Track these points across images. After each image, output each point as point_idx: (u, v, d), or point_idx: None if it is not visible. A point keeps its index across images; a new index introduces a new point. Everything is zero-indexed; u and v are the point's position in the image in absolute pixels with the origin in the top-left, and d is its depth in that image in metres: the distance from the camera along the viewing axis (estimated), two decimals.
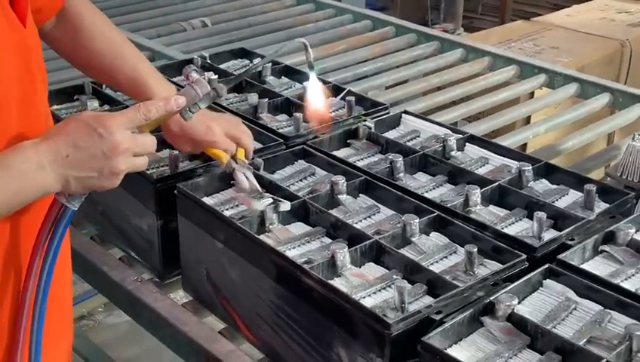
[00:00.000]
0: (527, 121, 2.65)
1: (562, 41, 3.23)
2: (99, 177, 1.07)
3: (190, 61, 2.06)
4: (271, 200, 1.38)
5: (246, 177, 1.40)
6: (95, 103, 1.78)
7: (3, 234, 1.11)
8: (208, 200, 1.44)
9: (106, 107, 1.79)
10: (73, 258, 1.60)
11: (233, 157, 1.44)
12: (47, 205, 1.11)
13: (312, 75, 1.48)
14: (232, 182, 1.46)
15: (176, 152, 1.52)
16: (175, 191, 1.45)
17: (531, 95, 2.68)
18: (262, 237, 1.34)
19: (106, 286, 1.59)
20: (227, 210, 1.42)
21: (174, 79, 1.95)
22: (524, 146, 2.51)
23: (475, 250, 1.25)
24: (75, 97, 1.85)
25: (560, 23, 3.46)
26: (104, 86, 1.86)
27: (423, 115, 1.86)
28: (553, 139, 2.46)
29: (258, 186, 1.39)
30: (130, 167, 1.10)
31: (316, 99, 1.50)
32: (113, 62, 1.41)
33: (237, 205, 1.43)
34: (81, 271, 1.61)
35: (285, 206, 1.37)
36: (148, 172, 1.50)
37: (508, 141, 2.14)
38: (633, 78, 3.18)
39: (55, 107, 1.80)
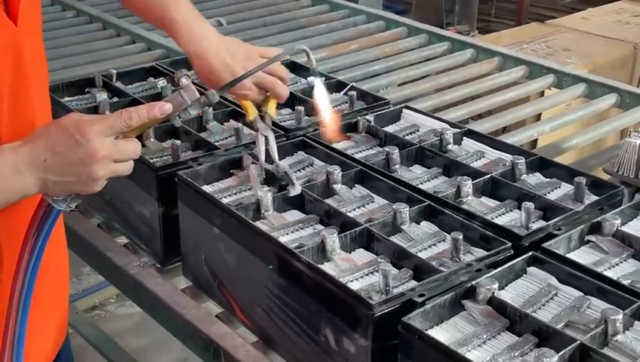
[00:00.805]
0: (537, 120, 2.67)
1: (575, 44, 3.24)
2: (77, 182, 1.08)
3: None
4: (270, 188, 1.42)
5: (268, 141, 1.41)
6: (104, 95, 1.84)
7: None
8: (208, 189, 1.49)
9: (115, 99, 1.85)
10: (80, 245, 1.67)
11: (262, 109, 1.42)
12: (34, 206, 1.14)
13: (318, 82, 1.44)
14: (231, 170, 1.52)
15: (177, 142, 1.57)
16: (176, 179, 1.50)
17: (541, 95, 2.70)
18: (257, 223, 1.39)
19: (110, 271, 1.65)
20: (225, 197, 1.47)
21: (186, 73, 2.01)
22: (534, 143, 2.54)
23: (461, 237, 1.28)
24: (86, 90, 1.91)
25: (574, 26, 3.47)
26: (114, 78, 1.92)
27: (427, 112, 1.89)
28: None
29: (276, 156, 1.42)
30: (110, 173, 1.09)
31: (326, 109, 1.47)
32: None
33: (235, 193, 1.48)
34: (86, 257, 1.67)
35: (296, 190, 1.41)
36: (151, 160, 1.56)
37: (513, 139, 2.16)
38: None
39: (67, 99, 1.86)
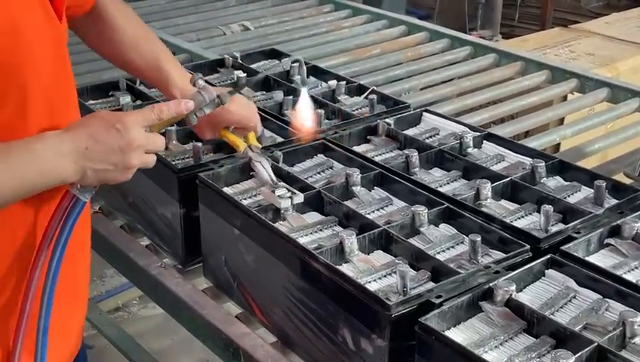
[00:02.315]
0: (560, 124, 2.66)
1: (598, 48, 3.23)
2: (114, 170, 1.15)
3: (222, 61, 2.14)
4: (286, 192, 1.43)
5: (263, 166, 1.46)
6: (127, 98, 1.86)
7: (14, 222, 1.16)
8: (228, 190, 1.50)
9: (139, 102, 1.87)
10: (103, 246, 1.69)
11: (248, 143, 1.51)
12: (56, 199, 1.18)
13: (304, 91, 1.50)
14: (251, 173, 1.53)
15: (199, 144, 1.59)
16: (197, 181, 1.51)
17: (564, 99, 2.69)
18: (276, 224, 1.40)
19: (132, 271, 1.67)
20: (245, 199, 1.48)
21: (206, 77, 2.03)
22: (557, 148, 2.53)
23: (479, 239, 1.28)
24: (110, 93, 1.93)
25: (597, 30, 3.45)
26: (138, 82, 1.94)
27: (449, 116, 1.89)
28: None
29: (273, 176, 1.45)
30: (142, 163, 1.18)
31: (304, 113, 1.52)
32: (135, 51, 1.48)
33: (255, 195, 1.49)
34: (109, 257, 1.69)
35: (299, 198, 1.43)
36: (173, 162, 1.58)
37: (535, 143, 2.16)
38: None
39: (91, 102, 1.89)
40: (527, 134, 2.52)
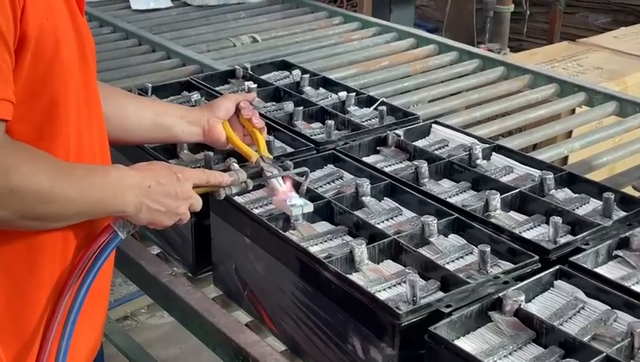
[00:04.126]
0: (568, 137, 2.67)
1: (607, 62, 3.23)
2: (164, 213, 1.27)
3: (233, 72, 2.16)
4: (297, 202, 1.45)
5: (274, 177, 1.47)
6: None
7: (54, 246, 1.21)
8: (239, 199, 1.51)
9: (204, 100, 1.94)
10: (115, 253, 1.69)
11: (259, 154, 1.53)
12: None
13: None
14: (262, 182, 1.54)
15: (210, 153, 1.60)
16: None
17: (572, 112, 2.70)
18: (287, 233, 1.41)
19: (142, 279, 1.68)
20: (256, 208, 1.49)
21: (217, 88, 2.05)
22: (565, 161, 2.54)
23: (488, 249, 1.29)
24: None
25: (605, 45, 3.46)
26: (150, 92, 1.96)
27: (454, 126, 1.91)
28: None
29: (284, 186, 1.46)
30: (184, 215, 1.30)
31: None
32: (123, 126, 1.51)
33: (266, 204, 1.50)
34: (121, 265, 1.70)
35: (308, 207, 1.44)
36: None
37: (543, 155, 2.16)
38: None
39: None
40: (535, 147, 2.53)
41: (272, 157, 1.54)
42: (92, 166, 1.22)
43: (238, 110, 1.61)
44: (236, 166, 1.48)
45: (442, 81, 2.77)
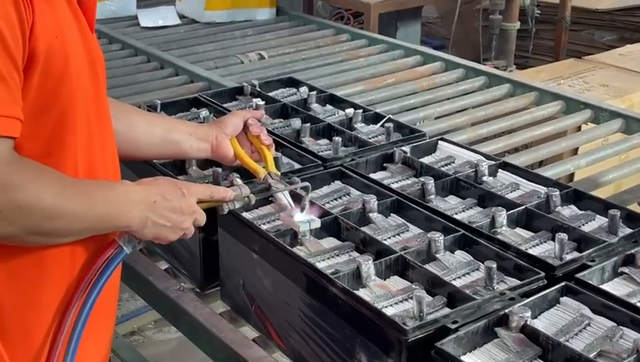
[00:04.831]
0: (574, 154, 2.68)
1: (612, 80, 3.25)
2: (169, 227, 1.28)
3: (241, 89, 2.18)
4: (304, 218, 1.46)
5: (282, 192, 1.49)
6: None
7: (62, 260, 1.22)
8: (247, 215, 1.52)
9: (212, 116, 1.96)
10: (122, 268, 1.70)
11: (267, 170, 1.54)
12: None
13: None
14: (270, 198, 1.55)
15: (219, 170, 1.62)
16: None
17: (578, 129, 2.71)
18: (294, 249, 1.42)
19: (150, 294, 1.69)
20: (264, 224, 1.50)
21: (225, 105, 2.07)
22: (571, 177, 2.55)
23: (495, 265, 1.30)
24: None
25: (611, 62, 3.48)
26: (159, 109, 1.98)
27: (461, 143, 1.92)
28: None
29: (292, 202, 1.48)
30: (188, 229, 1.32)
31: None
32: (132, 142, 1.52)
33: (273, 220, 1.52)
34: (128, 280, 1.71)
35: (315, 223, 1.45)
36: None
37: (549, 172, 2.17)
38: None
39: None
40: (541, 164, 2.54)
41: (279, 173, 1.56)
42: (98, 181, 1.24)
43: (246, 127, 1.62)
44: (239, 181, 1.50)
45: (448, 98, 2.78)
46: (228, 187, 1.44)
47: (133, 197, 1.23)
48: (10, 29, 1.06)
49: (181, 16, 3.66)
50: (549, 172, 2.19)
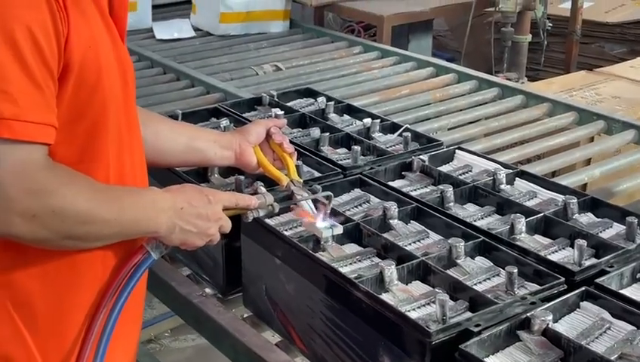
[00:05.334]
0: (587, 164, 2.69)
1: (624, 91, 3.26)
2: (195, 233, 1.31)
3: (259, 99, 2.21)
4: (327, 224, 1.49)
5: (304, 199, 1.52)
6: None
7: (94, 265, 1.26)
8: (269, 222, 1.55)
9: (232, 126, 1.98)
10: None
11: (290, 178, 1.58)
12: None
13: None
14: (291, 206, 1.58)
15: (241, 177, 1.65)
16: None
17: (591, 140, 2.73)
18: (317, 254, 1.44)
19: (173, 300, 1.71)
20: (286, 230, 1.53)
21: (244, 115, 2.10)
22: (584, 188, 2.56)
23: (516, 270, 1.32)
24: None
25: (623, 74, 3.50)
26: (179, 119, 2.01)
27: (478, 152, 1.94)
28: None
29: (314, 208, 1.51)
30: (214, 235, 1.35)
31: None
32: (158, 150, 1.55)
33: (295, 226, 1.54)
34: (152, 286, 1.73)
35: (338, 229, 1.48)
36: None
37: (563, 182, 2.18)
38: None
39: None
40: (554, 174, 2.56)
41: (301, 180, 1.58)
42: (128, 188, 1.27)
43: (268, 135, 1.65)
44: (263, 189, 1.53)
45: (462, 109, 2.81)
46: (252, 195, 1.47)
47: (161, 204, 1.26)
48: (47, 39, 1.09)
49: (196, 29, 3.71)
50: (563, 182, 2.19)
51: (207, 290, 1.68)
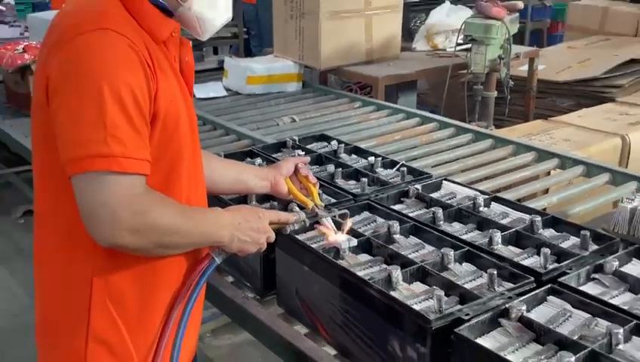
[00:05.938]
0: (545, 193, 2.75)
1: (573, 135, 3.34)
2: (250, 243, 1.39)
3: (284, 143, 2.29)
4: (344, 238, 1.56)
5: (326, 218, 1.59)
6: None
7: (169, 270, 1.32)
8: (299, 237, 1.62)
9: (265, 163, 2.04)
10: None
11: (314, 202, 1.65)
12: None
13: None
14: (315, 225, 1.65)
15: (275, 203, 1.72)
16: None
17: (548, 174, 2.79)
18: (337, 261, 1.51)
19: (221, 301, 1.77)
20: (312, 244, 1.60)
21: (273, 155, 2.18)
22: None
23: (495, 272, 1.39)
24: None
25: (572, 122, 3.58)
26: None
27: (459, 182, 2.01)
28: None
29: (334, 226, 1.57)
30: (263, 244, 1.42)
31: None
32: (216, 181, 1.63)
33: (317, 241, 1.61)
34: (205, 292, 1.79)
35: (353, 242, 1.55)
36: None
37: None
38: (632, 164, 3.26)
39: None
40: (519, 201, 2.62)
41: (323, 204, 1.65)
42: (199, 208, 1.35)
43: (296, 169, 1.73)
44: (297, 209, 1.60)
45: (443, 150, 2.88)
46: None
47: (223, 220, 1.33)
48: (143, 96, 1.17)
49: (227, 90, 3.80)
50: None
51: (248, 293, 1.74)
